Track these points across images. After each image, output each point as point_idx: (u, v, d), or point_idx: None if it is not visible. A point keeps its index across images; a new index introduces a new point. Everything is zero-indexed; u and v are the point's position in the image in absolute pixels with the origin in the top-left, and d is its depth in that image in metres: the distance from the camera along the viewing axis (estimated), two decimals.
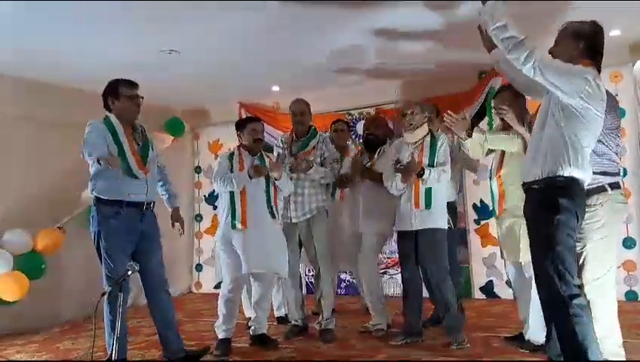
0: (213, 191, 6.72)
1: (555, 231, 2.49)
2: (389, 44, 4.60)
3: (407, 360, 3.41)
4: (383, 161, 4.10)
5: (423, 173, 3.68)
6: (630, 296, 4.85)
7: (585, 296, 2.56)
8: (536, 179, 2.59)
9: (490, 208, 3.80)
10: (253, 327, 3.92)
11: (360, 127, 5.64)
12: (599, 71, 2.59)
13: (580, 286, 2.54)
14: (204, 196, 7.00)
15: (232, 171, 3.80)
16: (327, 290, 4.04)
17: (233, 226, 3.71)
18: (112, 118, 3.28)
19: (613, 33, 4.21)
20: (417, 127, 3.83)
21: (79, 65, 4.71)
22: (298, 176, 3.99)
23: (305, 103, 4.15)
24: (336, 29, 4.25)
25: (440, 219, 3.76)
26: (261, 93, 6.20)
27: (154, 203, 3.42)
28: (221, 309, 3.79)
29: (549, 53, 2.67)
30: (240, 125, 3.99)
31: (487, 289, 5.45)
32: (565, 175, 2.51)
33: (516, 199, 3.21)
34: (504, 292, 5.22)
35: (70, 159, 5.00)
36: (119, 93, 3.29)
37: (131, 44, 4.31)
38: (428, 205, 3.71)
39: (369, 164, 4.25)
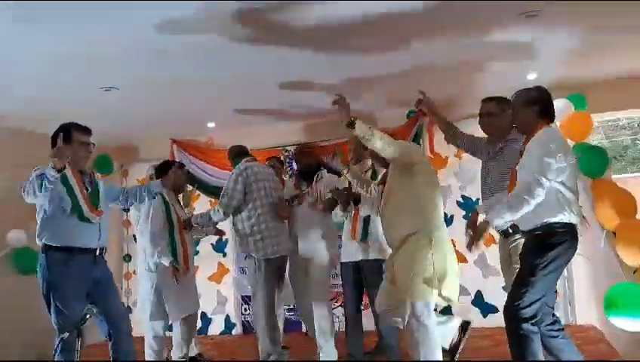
0: None
1: (539, 270, 2.71)
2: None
3: None
4: (323, 184, 4.22)
5: (359, 200, 3.84)
6: None
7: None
8: (535, 226, 2.78)
9: None
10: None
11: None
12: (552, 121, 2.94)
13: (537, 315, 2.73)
14: (133, 235, 6.73)
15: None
16: (258, 329, 4.07)
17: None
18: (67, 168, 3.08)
19: (530, 76, 4.63)
20: (359, 161, 4.06)
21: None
22: None
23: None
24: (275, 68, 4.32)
25: (380, 249, 3.85)
26: (195, 129, 6.16)
27: (105, 249, 3.32)
28: (153, 347, 4.18)
29: (513, 125, 3.11)
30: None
31: None
32: (559, 221, 2.73)
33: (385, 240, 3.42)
34: None
35: None
36: (72, 138, 3.17)
37: (67, 79, 4.17)
38: (364, 236, 3.83)
39: (308, 190, 4.29)
